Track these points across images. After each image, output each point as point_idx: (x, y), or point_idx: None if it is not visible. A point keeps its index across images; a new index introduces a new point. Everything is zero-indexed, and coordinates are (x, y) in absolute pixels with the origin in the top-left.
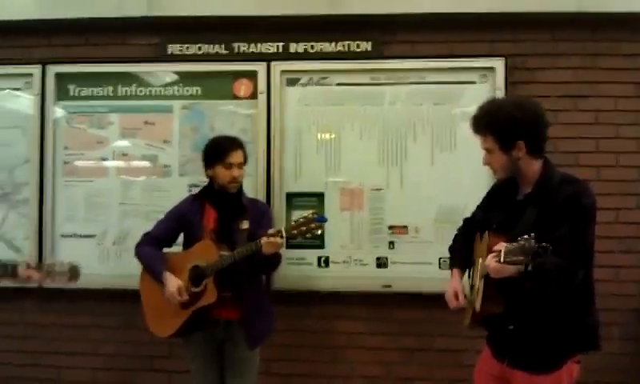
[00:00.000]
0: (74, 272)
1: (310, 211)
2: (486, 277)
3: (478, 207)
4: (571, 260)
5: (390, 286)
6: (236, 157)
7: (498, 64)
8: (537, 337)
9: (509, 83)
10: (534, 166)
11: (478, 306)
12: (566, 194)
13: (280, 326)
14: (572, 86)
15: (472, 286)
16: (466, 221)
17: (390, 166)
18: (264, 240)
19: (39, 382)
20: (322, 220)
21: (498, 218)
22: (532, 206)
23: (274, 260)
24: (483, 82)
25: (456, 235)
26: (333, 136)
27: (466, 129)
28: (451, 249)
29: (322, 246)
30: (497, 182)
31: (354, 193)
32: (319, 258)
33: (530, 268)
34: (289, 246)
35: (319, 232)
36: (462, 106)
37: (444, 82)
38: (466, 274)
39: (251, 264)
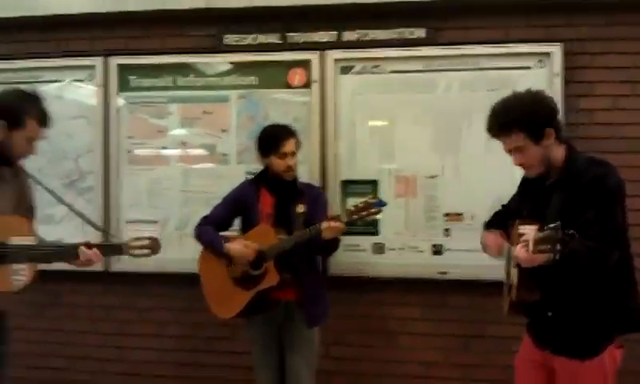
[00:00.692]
0: (155, 245)
1: (370, 195)
2: (520, 265)
3: (512, 197)
4: (602, 242)
5: (445, 273)
6: (289, 146)
7: (555, 49)
8: (576, 322)
9: (566, 68)
10: (560, 152)
11: (513, 294)
12: (590, 176)
13: (336, 312)
14: (631, 70)
15: (508, 274)
16: (496, 213)
17: (445, 154)
18: (324, 225)
19: (106, 361)
20: (381, 204)
21: (529, 206)
22: (559, 191)
23: (333, 244)
24: (540, 67)
25: (493, 214)
26: (386, 123)
27: None
28: (487, 223)
29: (376, 233)
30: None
31: (408, 180)
32: (374, 245)
33: (557, 256)
34: (343, 233)
35: (379, 216)
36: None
37: (499, 67)
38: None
39: (309, 247)
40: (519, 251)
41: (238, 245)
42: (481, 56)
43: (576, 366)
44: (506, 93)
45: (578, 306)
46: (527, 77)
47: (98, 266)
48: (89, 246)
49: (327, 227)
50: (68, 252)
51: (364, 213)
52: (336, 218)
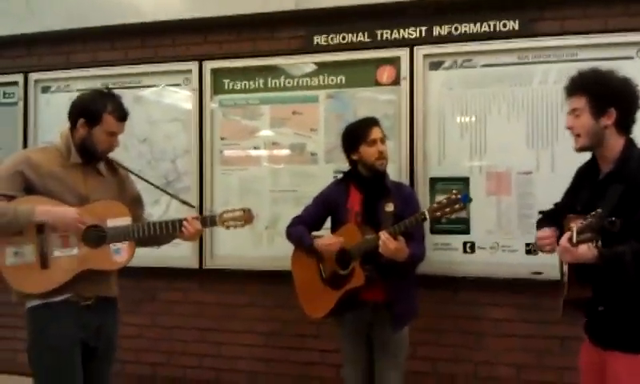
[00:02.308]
0: (248, 216)
1: (454, 190)
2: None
3: (565, 192)
4: None
5: (540, 273)
6: (376, 132)
7: None
8: (628, 316)
9: None
10: (617, 143)
11: (565, 290)
12: None
13: (425, 311)
14: None
15: (562, 273)
16: (555, 204)
17: (540, 149)
18: (382, 236)
19: (201, 356)
20: (465, 199)
21: (582, 201)
22: (613, 186)
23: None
24: None
25: (545, 212)
26: (477, 119)
27: None
28: (538, 221)
29: (467, 232)
30: (582, 165)
31: (500, 177)
32: (465, 244)
33: (599, 243)
34: (433, 232)
35: (463, 213)
36: None
37: (598, 58)
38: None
39: None
40: (563, 243)
41: (325, 238)
42: (578, 47)
43: (630, 360)
44: None
45: (631, 300)
46: (628, 67)
47: (192, 263)
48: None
49: (384, 240)
50: (173, 225)
51: (447, 209)
52: (390, 233)
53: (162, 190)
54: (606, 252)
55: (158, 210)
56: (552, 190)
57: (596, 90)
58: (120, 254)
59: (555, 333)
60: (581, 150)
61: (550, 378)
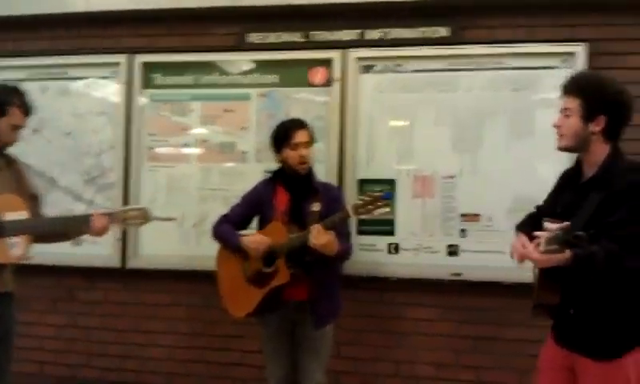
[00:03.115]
0: (146, 215)
1: (378, 189)
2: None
3: (548, 195)
4: (625, 245)
5: (460, 275)
6: (301, 136)
7: (580, 49)
8: (598, 321)
9: (590, 68)
10: (602, 150)
11: (534, 295)
12: (630, 181)
13: (350, 311)
14: None
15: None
16: (528, 215)
17: (464, 154)
18: (313, 229)
19: (121, 358)
20: (387, 197)
21: (562, 204)
22: (595, 190)
23: (332, 257)
24: (564, 67)
25: (526, 216)
26: (406, 123)
27: (544, 115)
28: (517, 226)
29: (392, 233)
30: (566, 170)
31: (426, 180)
32: (389, 245)
33: (569, 256)
34: (359, 232)
35: (387, 209)
36: (542, 91)
37: (523, 67)
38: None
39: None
40: (532, 250)
41: (252, 237)
42: (504, 55)
43: (597, 368)
44: (529, 93)
45: (601, 305)
46: (551, 77)
47: (114, 263)
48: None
49: (316, 232)
50: (77, 220)
51: (370, 207)
52: (323, 226)
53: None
54: (579, 252)
55: (80, 206)
56: (473, 194)
57: (591, 95)
58: (15, 248)
59: (473, 333)
60: (562, 149)
61: (466, 377)
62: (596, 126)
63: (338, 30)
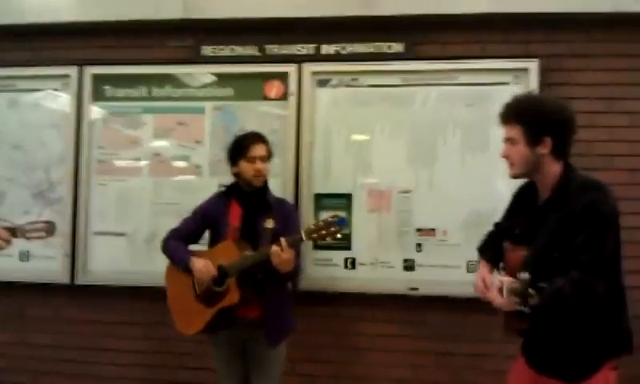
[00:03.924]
0: (49, 228)
1: (331, 214)
2: None
3: (505, 211)
4: (589, 270)
5: (416, 289)
6: (258, 150)
7: (532, 65)
8: (566, 344)
9: (543, 85)
10: (555, 169)
11: (503, 322)
12: (584, 202)
13: (306, 327)
14: (607, 87)
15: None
16: (496, 224)
17: (420, 168)
18: (273, 248)
19: (73, 376)
20: (341, 223)
21: (520, 226)
22: (552, 213)
23: (286, 275)
24: (517, 83)
25: (486, 236)
26: (362, 137)
27: (498, 131)
28: (479, 248)
29: (348, 248)
30: (520, 188)
31: (382, 194)
32: (346, 260)
33: (528, 309)
34: (316, 247)
35: (339, 236)
36: (495, 107)
37: (476, 83)
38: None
39: (271, 268)
40: (495, 298)
41: (202, 262)
42: (458, 71)
43: None
44: (483, 108)
45: (569, 329)
46: (504, 92)
47: (64, 279)
48: None
49: (274, 251)
50: None
51: (324, 231)
52: (287, 242)
53: None
54: (545, 292)
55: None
56: (428, 209)
57: (530, 120)
58: None
59: (430, 348)
60: (515, 177)
61: None
62: (543, 149)
63: (293, 44)
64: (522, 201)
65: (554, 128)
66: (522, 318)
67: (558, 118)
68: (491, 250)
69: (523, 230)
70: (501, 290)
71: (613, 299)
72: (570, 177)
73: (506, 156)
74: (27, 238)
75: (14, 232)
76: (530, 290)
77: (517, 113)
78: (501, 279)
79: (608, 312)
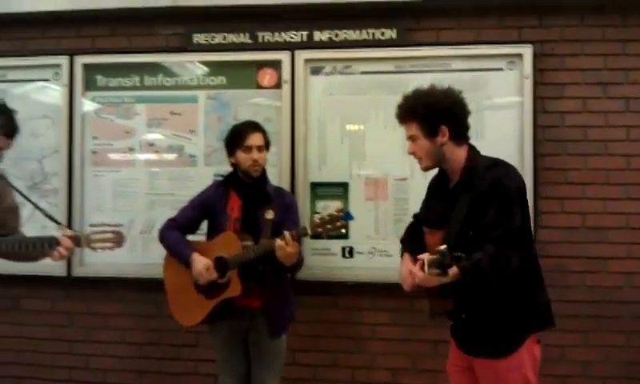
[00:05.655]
0: (118, 239)
1: (337, 207)
2: None
3: (422, 202)
4: (503, 244)
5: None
6: (254, 139)
7: (526, 51)
8: (489, 322)
9: (537, 70)
10: (459, 154)
11: (428, 305)
12: (490, 179)
13: (305, 317)
14: (602, 72)
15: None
16: (415, 215)
17: None
18: (278, 242)
19: (69, 369)
20: (347, 218)
21: (436, 212)
22: (462, 194)
23: (291, 267)
24: (511, 69)
25: (406, 228)
26: (357, 125)
27: (493, 117)
28: (401, 240)
29: (346, 237)
30: (433, 177)
31: (378, 183)
32: (343, 249)
33: (456, 273)
34: (313, 237)
35: (343, 230)
36: (489, 93)
37: (470, 69)
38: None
39: (273, 260)
40: (417, 272)
41: (201, 264)
42: (452, 57)
43: (494, 365)
44: (477, 95)
45: (490, 306)
46: (498, 78)
47: (59, 271)
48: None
49: (279, 245)
50: (41, 244)
51: (329, 226)
52: (292, 236)
53: (35, 206)
54: (465, 267)
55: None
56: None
57: (423, 114)
58: None
59: (428, 336)
60: (427, 169)
61: (423, 381)
62: (442, 138)
63: (285, 31)
64: (435, 190)
65: (447, 115)
66: (445, 298)
67: (446, 104)
68: (412, 241)
69: (438, 215)
70: (422, 267)
71: (528, 272)
72: (476, 159)
73: (412, 153)
74: (92, 248)
75: (77, 240)
76: (450, 258)
77: (409, 110)
78: (421, 256)
79: (525, 286)
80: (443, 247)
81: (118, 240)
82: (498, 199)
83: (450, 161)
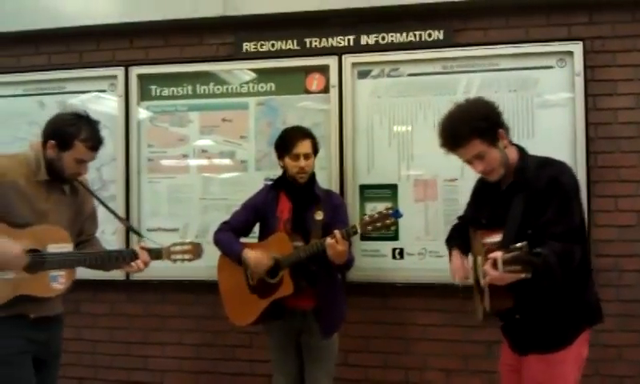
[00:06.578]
0: (197, 250)
1: (385, 206)
2: None
3: (467, 205)
4: (565, 239)
5: (467, 278)
6: (302, 147)
7: (576, 48)
8: (544, 319)
9: (588, 67)
10: (513, 154)
11: (487, 305)
12: (546, 177)
13: (356, 318)
14: None
15: (477, 281)
16: (460, 218)
17: None
18: (328, 240)
19: (128, 370)
20: (397, 215)
21: (487, 214)
22: (517, 195)
23: (341, 267)
24: (561, 66)
25: (451, 229)
26: (405, 127)
27: (544, 116)
28: (447, 240)
29: (396, 238)
30: (478, 180)
31: (427, 184)
32: (394, 250)
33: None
34: (363, 238)
35: (393, 228)
36: (539, 91)
37: (519, 68)
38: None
39: (324, 260)
40: (489, 270)
41: (255, 253)
42: (501, 56)
43: (544, 358)
44: (527, 94)
45: (544, 305)
46: (548, 76)
47: (118, 275)
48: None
49: (329, 243)
50: (119, 258)
51: (379, 224)
52: (342, 234)
53: (116, 216)
54: (538, 264)
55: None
56: None
57: (482, 127)
58: (57, 281)
59: (481, 337)
60: (499, 178)
61: (476, 382)
62: (504, 140)
63: (332, 36)
64: (482, 192)
65: (496, 118)
66: (507, 295)
67: (489, 110)
68: (459, 241)
69: (490, 218)
70: (494, 265)
71: (582, 268)
72: (528, 159)
73: (482, 171)
74: (173, 261)
75: (158, 254)
76: (530, 254)
77: (465, 132)
78: (493, 254)
79: (579, 281)
80: (523, 244)
81: (197, 251)
82: (556, 196)
83: (508, 163)
